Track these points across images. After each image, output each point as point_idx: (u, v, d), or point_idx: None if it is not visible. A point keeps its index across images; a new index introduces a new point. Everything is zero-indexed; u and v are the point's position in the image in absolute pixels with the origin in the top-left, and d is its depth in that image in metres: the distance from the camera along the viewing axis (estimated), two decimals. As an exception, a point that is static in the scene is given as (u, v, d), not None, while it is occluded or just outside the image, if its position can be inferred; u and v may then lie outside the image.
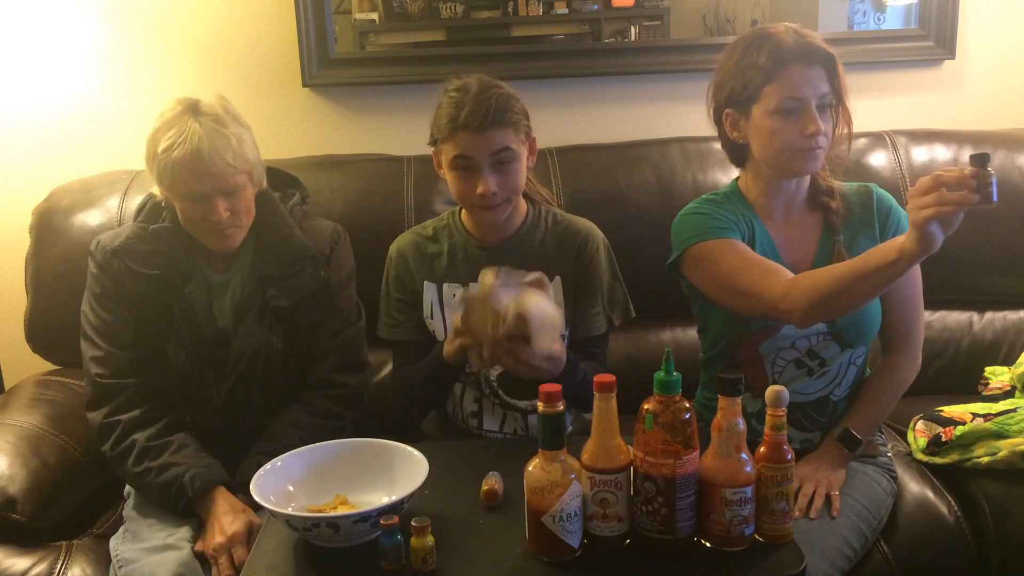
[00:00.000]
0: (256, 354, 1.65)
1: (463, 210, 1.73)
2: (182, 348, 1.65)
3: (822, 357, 1.60)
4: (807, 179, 1.63)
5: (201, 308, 1.65)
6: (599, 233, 1.72)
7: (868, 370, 1.70)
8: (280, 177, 1.80)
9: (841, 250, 1.59)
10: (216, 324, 1.66)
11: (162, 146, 1.53)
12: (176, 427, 1.64)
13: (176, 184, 1.57)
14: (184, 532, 1.54)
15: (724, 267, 1.55)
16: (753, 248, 1.59)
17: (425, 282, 1.71)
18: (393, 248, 1.76)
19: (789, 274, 1.49)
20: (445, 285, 1.70)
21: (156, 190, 1.65)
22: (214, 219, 1.58)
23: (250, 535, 1.49)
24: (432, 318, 1.70)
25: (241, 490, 1.57)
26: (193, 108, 1.57)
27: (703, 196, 1.68)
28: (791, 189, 1.62)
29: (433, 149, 1.66)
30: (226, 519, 1.51)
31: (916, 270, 1.61)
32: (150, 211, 1.70)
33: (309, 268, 1.68)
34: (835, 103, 1.54)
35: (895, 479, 1.65)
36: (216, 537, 1.48)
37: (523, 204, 1.71)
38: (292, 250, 1.68)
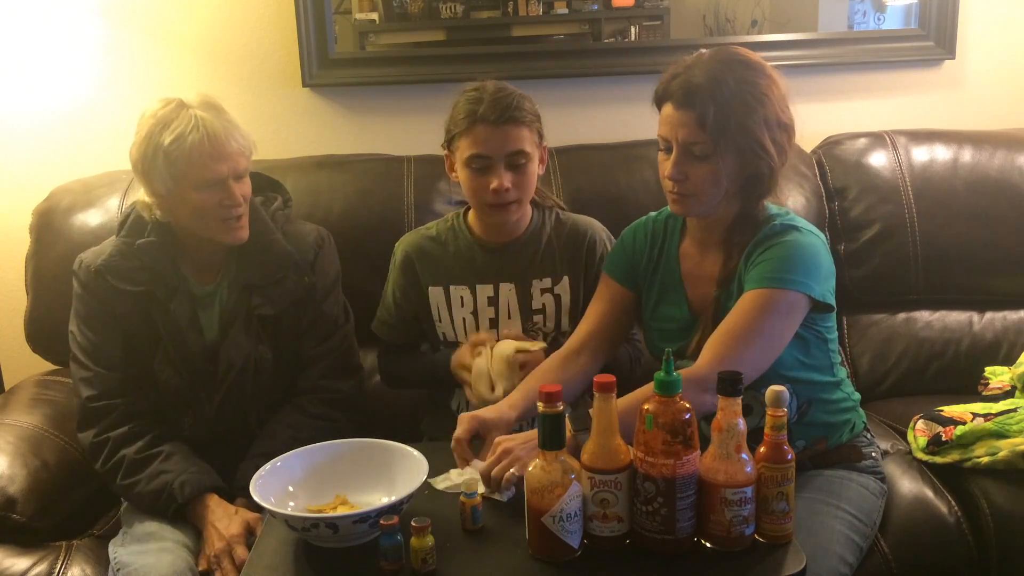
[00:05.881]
0: (245, 365, 1.63)
1: (468, 212, 1.73)
2: (169, 364, 1.63)
3: None
4: (725, 217, 1.51)
5: (187, 323, 1.63)
6: (602, 230, 1.75)
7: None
8: (262, 181, 1.76)
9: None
10: (203, 338, 1.65)
11: (169, 139, 1.52)
12: (165, 438, 1.63)
13: (191, 172, 1.54)
14: (180, 535, 1.53)
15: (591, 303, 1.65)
16: (654, 277, 1.59)
17: (430, 287, 1.71)
18: (399, 250, 1.76)
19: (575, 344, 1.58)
20: (451, 287, 1.70)
21: (144, 197, 1.62)
22: (230, 204, 1.57)
23: (250, 534, 1.49)
24: (440, 321, 1.72)
25: (240, 494, 1.57)
26: (182, 103, 1.57)
27: (655, 213, 1.66)
28: (702, 224, 1.55)
29: (445, 152, 1.66)
30: (222, 523, 1.50)
31: (752, 308, 1.41)
32: (133, 225, 1.66)
33: (292, 275, 1.66)
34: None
35: (883, 480, 1.62)
36: (215, 542, 1.48)
37: (529, 208, 1.71)
38: (274, 257, 1.66)
